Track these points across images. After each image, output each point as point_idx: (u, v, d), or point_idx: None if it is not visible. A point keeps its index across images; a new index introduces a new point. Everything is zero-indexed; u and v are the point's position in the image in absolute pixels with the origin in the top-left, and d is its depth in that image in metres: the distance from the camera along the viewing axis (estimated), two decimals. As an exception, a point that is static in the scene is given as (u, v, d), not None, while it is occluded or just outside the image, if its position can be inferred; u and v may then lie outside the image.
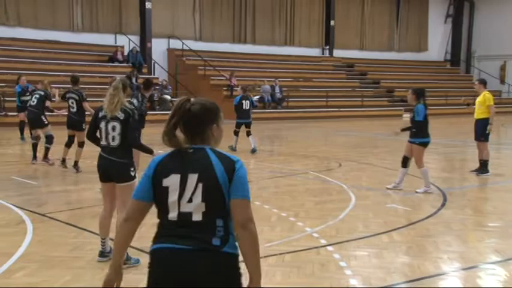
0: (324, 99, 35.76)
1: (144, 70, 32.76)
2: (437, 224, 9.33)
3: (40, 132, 14.77)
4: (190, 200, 3.42)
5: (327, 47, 42.62)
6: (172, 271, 3.40)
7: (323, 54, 42.97)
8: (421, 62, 45.77)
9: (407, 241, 8.24)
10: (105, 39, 33.22)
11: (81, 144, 13.38)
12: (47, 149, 14.55)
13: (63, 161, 13.80)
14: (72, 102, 13.46)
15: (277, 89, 33.69)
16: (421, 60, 45.87)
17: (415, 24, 46.64)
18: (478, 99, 14.17)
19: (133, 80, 29.18)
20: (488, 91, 14.75)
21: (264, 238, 7.55)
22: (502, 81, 42.56)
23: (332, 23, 42.05)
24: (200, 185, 3.41)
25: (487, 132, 13.91)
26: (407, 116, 19.54)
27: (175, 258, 3.38)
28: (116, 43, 33.33)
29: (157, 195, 3.48)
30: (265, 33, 39.95)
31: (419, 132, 11.33)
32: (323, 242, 8.02)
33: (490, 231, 9.12)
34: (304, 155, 17.77)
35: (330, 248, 7.68)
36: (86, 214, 9.77)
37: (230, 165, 3.45)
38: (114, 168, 6.86)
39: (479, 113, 14.09)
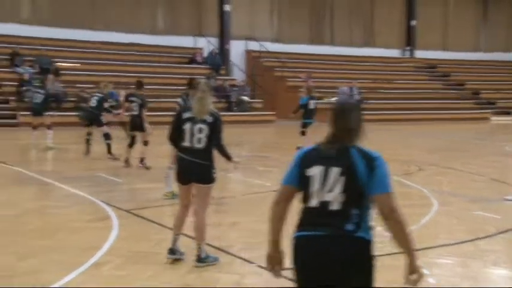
0: (404, 101, 35.17)
1: (222, 72, 33.34)
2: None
3: (94, 130, 16.07)
4: (330, 190, 3.75)
5: (408, 48, 41.97)
6: (312, 257, 3.75)
7: (403, 55, 42.27)
8: (510, 63, 43.74)
9: (496, 250, 7.81)
10: (185, 41, 33.94)
11: (145, 143, 14.09)
12: (108, 145, 15.82)
13: (127, 160, 14.39)
14: (136, 105, 14.01)
15: (354, 91, 32.93)
16: (509, 60, 43.85)
17: (503, 23, 44.72)
18: None
19: (212, 81, 29.51)
20: None
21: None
22: None
23: (413, 23, 41.45)
24: (341, 178, 3.73)
25: None
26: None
27: (314, 244, 3.75)
28: (195, 45, 34.05)
29: (301, 183, 3.83)
30: (344, 34, 39.90)
31: None
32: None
33: None
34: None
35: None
36: (166, 212, 10.05)
37: (371, 162, 3.76)
38: (197, 170, 6.92)
39: None
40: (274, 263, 4.03)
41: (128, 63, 30.13)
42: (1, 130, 22.49)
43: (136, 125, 14.13)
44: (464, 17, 42.59)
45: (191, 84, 12.31)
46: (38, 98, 18.62)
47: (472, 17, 43.65)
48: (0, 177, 13.72)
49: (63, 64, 28.73)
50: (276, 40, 37.19)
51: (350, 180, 3.76)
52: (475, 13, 43.32)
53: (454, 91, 38.44)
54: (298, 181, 3.88)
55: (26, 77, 26.39)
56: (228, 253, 7.62)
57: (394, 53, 41.64)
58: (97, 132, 16.17)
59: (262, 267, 6.75)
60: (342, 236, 3.71)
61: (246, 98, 30.94)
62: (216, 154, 7.15)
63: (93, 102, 16.08)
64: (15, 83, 26.05)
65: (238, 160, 8.44)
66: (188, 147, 6.89)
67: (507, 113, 36.50)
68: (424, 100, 36.15)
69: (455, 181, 13.52)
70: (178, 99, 11.98)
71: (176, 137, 7.04)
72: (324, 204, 3.78)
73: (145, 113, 14.13)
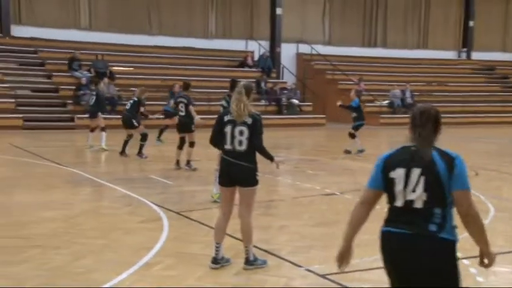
0: (461, 104, 34.56)
1: (273, 75, 33.43)
2: None
3: (132, 132, 16.50)
4: (413, 190, 3.94)
5: (465, 50, 41.09)
6: (396, 252, 3.99)
7: (459, 57, 41.45)
8: None
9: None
10: (237, 44, 34.31)
11: (191, 144, 14.21)
12: (141, 146, 16.34)
13: (177, 162, 14.48)
14: (182, 106, 14.12)
15: (407, 94, 32.83)
16: None
17: None
18: None
19: (263, 84, 29.52)
20: None
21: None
22: None
23: (471, 23, 40.27)
24: (422, 178, 3.91)
25: None
26: None
27: (398, 241, 3.96)
28: (246, 48, 34.30)
29: (386, 185, 4.03)
30: (397, 36, 39.58)
31: None
32: (458, 254, 7.62)
33: None
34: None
35: (465, 262, 6.94)
36: (214, 214, 9.59)
37: (450, 162, 3.94)
38: (241, 173, 6.89)
39: None
40: (343, 261, 4.23)
41: (181, 67, 30.49)
42: (59, 133, 22.88)
43: (183, 126, 14.30)
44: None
45: (233, 85, 12.30)
46: (93, 100, 18.98)
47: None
48: (56, 178, 13.86)
49: (118, 68, 29.41)
50: (328, 43, 37.31)
51: (431, 180, 3.93)
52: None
53: (513, 93, 36.45)
54: (383, 184, 4.08)
55: (83, 81, 26.87)
56: (277, 256, 7.56)
57: (450, 54, 41.02)
58: (138, 135, 16.52)
59: (310, 270, 7.01)
60: (426, 236, 3.88)
61: (296, 101, 30.68)
62: (259, 156, 7.10)
63: (127, 106, 16.71)
64: (73, 87, 26.59)
65: (280, 159, 8.43)
66: (230, 150, 6.89)
67: None
68: (482, 103, 35.56)
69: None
70: (222, 101, 12.29)
71: (218, 140, 7.05)
72: (408, 203, 3.97)
73: (194, 111, 14.24)
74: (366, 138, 24.23)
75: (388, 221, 4.07)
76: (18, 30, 29.56)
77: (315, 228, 9.25)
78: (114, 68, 28.94)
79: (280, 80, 32.99)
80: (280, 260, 7.47)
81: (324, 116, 31.09)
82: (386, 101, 32.20)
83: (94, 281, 6.51)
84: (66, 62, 28.14)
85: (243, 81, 7.58)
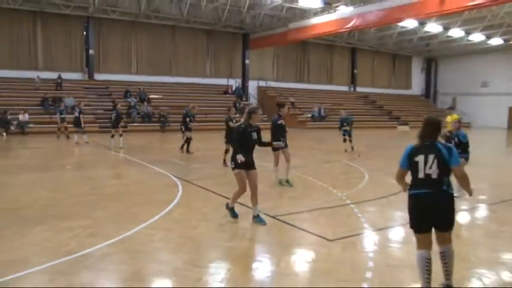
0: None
1: (244, 99, 34.09)
2: None
3: (182, 135, 15.33)
4: (430, 167, 4.07)
5: (353, 85, 42.24)
6: (423, 203, 4.11)
7: (350, 90, 42.11)
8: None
9: None
10: (222, 81, 34.47)
11: (227, 151, 12.01)
12: (184, 145, 15.13)
13: (224, 161, 12.24)
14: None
15: (322, 110, 33.71)
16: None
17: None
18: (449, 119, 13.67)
19: (237, 105, 30.19)
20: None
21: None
22: (453, 108, 42.36)
23: (355, 71, 42.66)
24: (435, 160, 4.08)
25: None
26: None
27: (425, 196, 4.09)
28: (228, 83, 34.55)
29: (411, 165, 4.19)
30: (315, 77, 39.78)
31: None
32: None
33: None
34: None
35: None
36: (213, 183, 9.60)
37: (449, 149, 4.12)
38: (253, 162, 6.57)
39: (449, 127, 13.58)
40: (405, 189, 4.34)
41: (190, 95, 30.53)
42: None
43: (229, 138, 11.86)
44: None
45: (278, 104, 10.34)
46: (114, 116, 17.02)
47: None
48: (117, 161, 14.02)
49: (152, 96, 29.59)
50: (276, 80, 37.52)
51: (440, 161, 4.06)
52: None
53: None
54: (408, 165, 4.19)
55: (132, 104, 27.62)
56: (245, 206, 7.17)
57: (344, 88, 41.68)
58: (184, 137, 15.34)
59: (266, 214, 6.49)
60: (440, 192, 4.05)
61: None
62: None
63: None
64: (126, 107, 26.70)
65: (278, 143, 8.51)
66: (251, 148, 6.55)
67: None
68: (362, 115, 35.20)
69: None
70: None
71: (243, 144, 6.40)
72: (428, 176, 4.07)
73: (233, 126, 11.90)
74: (299, 136, 24.84)
75: (413, 187, 4.18)
76: (98, 76, 29.86)
77: (268, 189, 8.92)
78: (150, 96, 29.35)
79: (248, 102, 33.36)
80: (248, 208, 6.93)
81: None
82: (310, 114, 32.94)
83: (140, 220, 6.44)
84: (123, 92, 28.64)
85: (251, 105, 7.82)
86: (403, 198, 7.97)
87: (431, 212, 4.09)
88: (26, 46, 27.42)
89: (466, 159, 8.84)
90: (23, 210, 7.21)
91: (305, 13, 30.06)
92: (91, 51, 29.25)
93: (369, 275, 4.61)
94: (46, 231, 6.00)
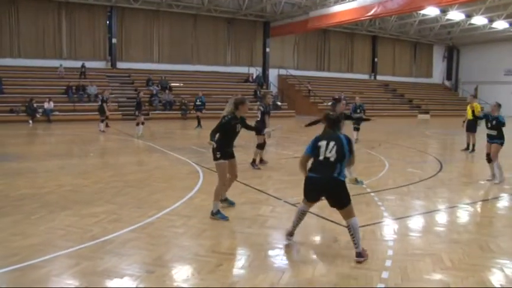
0: (370, 105, 33.50)
1: (264, 87, 34.02)
2: None
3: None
4: (330, 151, 4.63)
5: (373, 74, 42.04)
6: (313, 184, 4.72)
7: (370, 78, 41.91)
8: None
9: None
10: (243, 69, 34.46)
11: (258, 146, 10.63)
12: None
13: (259, 160, 10.85)
14: (259, 112, 10.86)
15: (342, 97, 33.10)
16: None
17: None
18: (470, 107, 13.46)
19: (258, 93, 30.16)
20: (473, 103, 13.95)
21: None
22: (475, 97, 41.28)
23: (376, 59, 42.19)
24: (335, 146, 4.64)
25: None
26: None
27: (315, 179, 4.68)
28: (248, 72, 34.55)
29: (314, 150, 4.74)
30: (336, 65, 39.65)
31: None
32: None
33: None
34: None
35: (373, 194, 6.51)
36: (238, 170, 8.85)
37: (349, 140, 4.73)
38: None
39: (470, 114, 13.34)
40: (305, 173, 4.85)
41: (210, 83, 30.69)
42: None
43: (258, 129, 10.14)
44: None
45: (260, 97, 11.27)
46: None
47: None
48: (140, 148, 13.97)
49: (174, 84, 29.75)
50: (296, 68, 37.38)
51: (338, 147, 4.62)
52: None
53: None
54: (312, 151, 4.75)
55: (154, 92, 27.80)
56: (265, 193, 7.52)
57: (365, 76, 41.48)
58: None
59: (286, 201, 6.86)
60: (332, 178, 4.58)
61: (278, 103, 32.01)
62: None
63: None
64: (148, 95, 27.10)
65: (268, 130, 8.70)
66: None
67: None
68: (382, 104, 35.85)
69: None
70: (261, 107, 10.68)
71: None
72: (327, 159, 4.61)
73: (268, 120, 10.73)
74: (319, 124, 24.61)
75: (311, 170, 4.71)
76: (120, 64, 30.03)
77: (288, 177, 9.12)
78: (171, 84, 29.47)
79: (269, 90, 33.45)
80: (268, 195, 7.45)
81: (294, 111, 31.79)
82: (330, 103, 32.57)
83: (162, 206, 6.57)
84: (145, 81, 28.85)
85: (239, 96, 7.34)
86: (424, 187, 8.38)
87: (319, 192, 4.74)
88: (51, 36, 27.83)
89: (501, 144, 8.91)
90: (48, 195, 7.36)
91: (325, 1, 29.73)
92: (114, 40, 29.53)
93: (388, 263, 4.57)
94: (71, 216, 6.11)
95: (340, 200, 4.67)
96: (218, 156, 6.14)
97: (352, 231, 4.67)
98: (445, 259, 4.74)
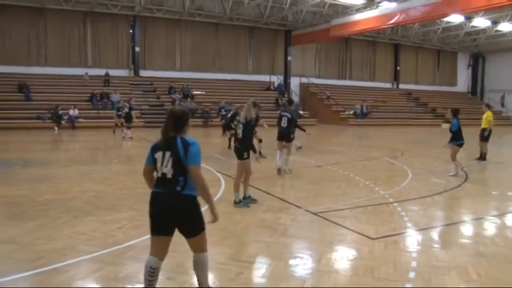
0: (393, 113, 35.27)
1: (286, 95, 33.81)
2: None
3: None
4: (166, 166, 3.55)
5: (395, 82, 41.48)
6: (156, 203, 3.56)
7: (392, 86, 41.53)
8: None
9: None
10: (264, 78, 34.63)
11: (288, 152, 10.71)
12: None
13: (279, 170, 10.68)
14: (285, 119, 10.52)
15: (364, 107, 33.42)
16: None
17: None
18: (484, 116, 14.15)
19: (279, 101, 30.17)
20: (492, 111, 14.74)
21: None
22: (502, 105, 41.05)
23: (398, 68, 41.45)
24: (171, 158, 3.53)
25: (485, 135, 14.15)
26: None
27: (158, 196, 3.56)
28: (270, 80, 34.73)
29: (154, 163, 3.65)
30: (357, 73, 39.54)
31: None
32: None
33: None
34: None
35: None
36: (253, 178, 8.72)
37: (186, 145, 3.52)
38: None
39: (483, 124, 14.17)
40: (150, 186, 3.71)
41: (232, 91, 30.81)
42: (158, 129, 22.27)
43: (282, 136, 10.58)
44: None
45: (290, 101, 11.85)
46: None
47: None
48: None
49: (196, 92, 30.10)
50: (318, 76, 37.42)
51: (176, 159, 3.50)
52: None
53: None
54: (152, 162, 3.63)
55: (176, 99, 28.17)
56: (286, 202, 7.79)
57: (387, 85, 40.94)
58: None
59: (307, 210, 7.21)
60: (173, 193, 3.49)
61: (300, 112, 31.33)
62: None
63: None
64: (170, 103, 27.19)
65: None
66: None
67: None
68: (403, 113, 35.36)
69: None
70: (288, 114, 10.52)
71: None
72: (163, 175, 3.55)
73: (294, 128, 10.66)
74: (342, 132, 24.32)
75: (154, 186, 3.61)
76: (143, 72, 30.57)
77: (309, 185, 9.15)
78: (193, 92, 29.84)
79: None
80: (289, 204, 7.40)
81: (316, 119, 31.52)
82: (352, 111, 32.69)
83: None
84: (167, 89, 29.23)
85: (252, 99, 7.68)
86: (448, 197, 8.21)
87: (164, 214, 3.54)
88: (76, 45, 28.66)
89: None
90: (72, 201, 7.45)
91: (347, 9, 29.78)
92: (137, 49, 30.16)
93: (412, 275, 4.46)
94: (94, 222, 6.17)
95: (189, 224, 3.58)
96: (245, 156, 7.05)
97: (198, 268, 3.71)
98: (471, 272, 4.59)
